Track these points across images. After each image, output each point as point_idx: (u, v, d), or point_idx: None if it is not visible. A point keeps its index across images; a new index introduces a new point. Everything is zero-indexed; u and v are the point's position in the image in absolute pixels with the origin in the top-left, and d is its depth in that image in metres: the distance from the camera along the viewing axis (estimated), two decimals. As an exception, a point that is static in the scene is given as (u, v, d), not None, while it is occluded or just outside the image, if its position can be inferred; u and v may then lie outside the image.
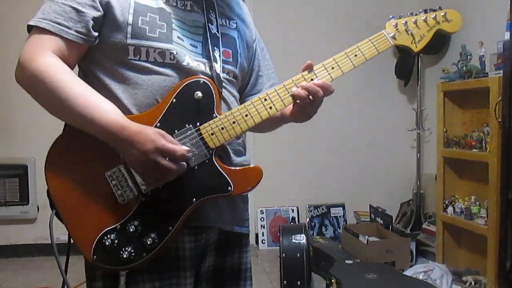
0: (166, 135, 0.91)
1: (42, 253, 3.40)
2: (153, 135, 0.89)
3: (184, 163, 0.92)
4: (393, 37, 1.08)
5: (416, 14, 1.11)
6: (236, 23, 1.15)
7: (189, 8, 1.06)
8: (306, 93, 1.00)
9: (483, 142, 2.65)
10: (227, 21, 1.13)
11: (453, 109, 2.99)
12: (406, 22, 1.09)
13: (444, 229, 2.96)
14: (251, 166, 1.02)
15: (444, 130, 2.95)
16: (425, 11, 1.11)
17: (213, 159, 0.97)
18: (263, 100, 1.00)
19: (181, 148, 0.91)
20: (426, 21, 1.10)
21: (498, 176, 2.34)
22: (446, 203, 2.94)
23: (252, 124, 1.00)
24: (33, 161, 3.38)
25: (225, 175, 0.97)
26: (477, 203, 2.74)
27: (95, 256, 0.93)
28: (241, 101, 1.19)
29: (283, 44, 3.50)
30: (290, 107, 1.06)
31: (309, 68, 1.03)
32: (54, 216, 0.96)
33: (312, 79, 1.02)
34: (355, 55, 1.05)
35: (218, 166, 0.97)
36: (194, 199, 0.96)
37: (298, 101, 1.02)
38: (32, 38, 0.94)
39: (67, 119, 0.95)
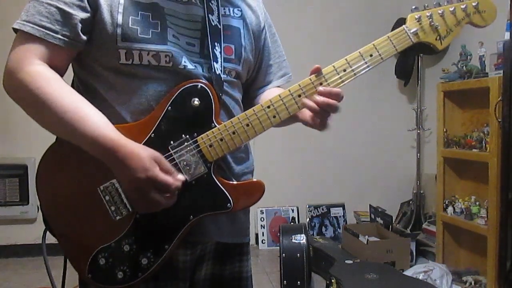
0: (162, 162, 0.85)
1: (42, 253, 3.39)
2: (147, 162, 0.82)
3: (175, 196, 0.87)
4: (415, 34, 0.94)
5: (442, 5, 0.95)
6: (241, 10, 1.04)
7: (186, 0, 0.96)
8: (318, 108, 0.91)
9: (483, 142, 2.65)
10: (231, 9, 1.02)
11: (453, 109, 2.99)
12: (431, 15, 0.94)
13: (444, 229, 2.96)
14: (252, 180, 0.97)
15: (444, 130, 2.95)
16: (459, -1, 0.94)
17: (212, 173, 0.91)
18: (266, 108, 0.92)
19: (174, 182, 0.85)
20: (454, 14, 0.94)
21: (498, 176, 2.34)
22: (446, 203, 2.94)
23: (253, 134, 0.92)
24: (33, 161, 3.38)
25: (224, 191, 0.91)
26: (477, 203, 2.73)
27: (89, 275, 0.90)
28: (252, 93, 1.11)
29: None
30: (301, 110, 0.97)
31: (317, 72, 0.93)
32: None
33: (321, 83, 0.93)
34: (371, 55, 0.93)
35: (217, 181, 0.91)
36: (192, 216, 0.90)
37: (314, 116, 0.94)
38: (17, 44, 0.87)
39: (58, 133, 0.90)
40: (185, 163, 0.89)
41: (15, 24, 0.87)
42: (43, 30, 0.85)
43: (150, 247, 0.89)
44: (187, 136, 0.90)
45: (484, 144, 2.64)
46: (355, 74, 0.93)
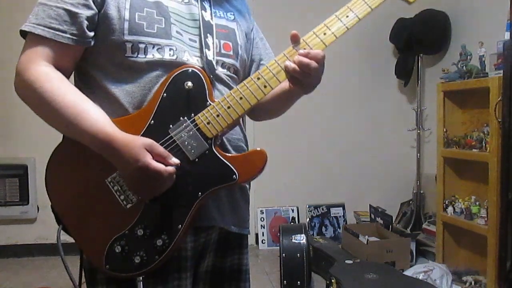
0: (154, 148, 0.88)
1: (42, 253, 3.40)
2: (137, 152, 0.86)
3: (171, 178, 0.89)
4: None
5: None
6: (234, 14, 1.12)
7: (186, 0, 1.03)
8: (298, 68, 0.93)
9: (483, 142, 2.65)
10: (225, 13, 1.10)
11: (453, 109, 2.99)
12: None
13: (444, 229, 2.96)
14: (255, 149, 0.97)
15: (444, 130, 2.95)
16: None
17: (213, 148, 0.94)
18: (256, 79, 0.95)
19: (165, 170, 0.87)
20: None
21: (498, 176, 2.34)
22: (446, 203, 2.94)
23: (248, 106, 0.95)
24: (33, 161, 3.38)
25: (228, 163, 0.94)
26: (477, 203, 2.74)
27: (107, 266, 0.91)
28: None
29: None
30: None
31: (296, 38, 0.96)
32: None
33: (304, 49, 0.95)
34: (347, 16, 0.96)
35: (219, 155, 0.94)
36: (200, 193, 0.93)
37: (294, 75, 0.95)
38: (27, 45, 0.92)
39: (61, 130, 0.93)
40: (186, 143, 0.93)
41: (25, 27, 0.92)
42: (53, 31, 0.91)
43: (163, 229, 0.92)
44: (185, 118, 0.93)
45: (484, 144, 2.64)
46: (335, 36, 0.97)
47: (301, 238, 2.61)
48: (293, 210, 3.74)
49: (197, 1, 1.04)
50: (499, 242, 2.25)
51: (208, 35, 1.02)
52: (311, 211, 3.69)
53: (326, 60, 0.97)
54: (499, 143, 2.32)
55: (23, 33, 0.93)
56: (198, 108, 0.94)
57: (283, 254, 2.57)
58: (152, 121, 0.92)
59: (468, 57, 2.81)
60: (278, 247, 2.65)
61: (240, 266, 1.13)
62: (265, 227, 3.68)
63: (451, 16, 3.30)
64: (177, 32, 0.98)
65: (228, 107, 0.94)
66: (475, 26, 3.07)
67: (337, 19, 0.97)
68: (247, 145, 1.12)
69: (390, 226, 3.25)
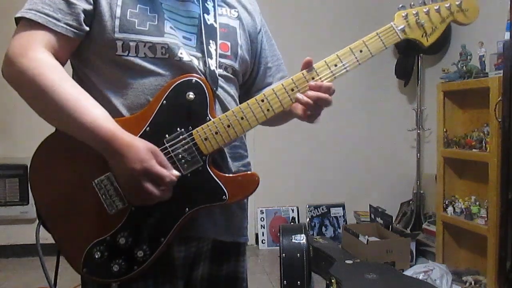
0: (159, 155, 0.85)
1: (42, 253, 3.39)
2: (144, 153, 0.83)
3: (170, 190, 0.87)
4: (403, 31, 0.98)
5: (427, 3, 1.00)
6: (238, 11, 1.07)
7: None
8: (311, 102, 0.92)
9: (483, 142, 2.65)
10: (228, 10, 1.06)
11: (453, 109, 2.99)
12: (417, 13, 0.98)
13: (444, 229, 2.96)
14: (247, 172, 0.97)
15: (444, 130, 2.95)
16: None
17: (207, 165, 0.91)
18: (260, 101, 0.93)
19: (169, 175, 0.85)
20: (439, 12, 0.99)
21: (498, 176, 2.34)
22: (446, 203, 2.94)
23: (248, 128, 0.93)
24: (33, 161, 3.38)
25: (219, 183, 0.91)
26: (477, 203, 2.74)
27: (84, 269, 0.89)
28: (252, 95, 1.11)
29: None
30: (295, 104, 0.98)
31: (308, 65, 0.94)
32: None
33: (313, 78, 0.94)
34: (361, 51, 0.96)
35: (212, 174, 0.91)
36: (187, 209, 0.90)
37: (306, 108, 0.95)
38: (19, 30, 0.87)
39: (56, 123, 0.89)
40: (180, 156, 0.90)
41: (18, 13, 0.88)
42: (46, 17, 0.86)
43: (145, 240, 0.90)
44: (182, 130, 0.90)
45: (484, 144, 2.64)
46: (346, 69, 0.96)
47: (301, 238, 2.61)
48: (293, 210, 3.73)
49: (199, 2, 1.00)
50: (499, 242, 2.25)
51: (211, 41, 0.98)
52: (311, 211, 3.69)
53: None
54: (499, 143, 2.32)
55: (17, 23, 0.89)
56: (197, 121, 0.91)
57: (283, 254, 2.57)
58: (148, 128, 0.89)
59: (468, 57, 2.81)
60: (278, 247, 2.65)
61: (236, 274, 1.10)
62: (265, 227, 3.68)
63: (451, 16, 3.29)
64: (170, 28, 0.94)
65: (228, 126, 0.92)
66: (475, 26, 3.05)
67: (351, 52, 0.96)
68: (246, 151, 1.09)
69: (390, 226, 3.25)
